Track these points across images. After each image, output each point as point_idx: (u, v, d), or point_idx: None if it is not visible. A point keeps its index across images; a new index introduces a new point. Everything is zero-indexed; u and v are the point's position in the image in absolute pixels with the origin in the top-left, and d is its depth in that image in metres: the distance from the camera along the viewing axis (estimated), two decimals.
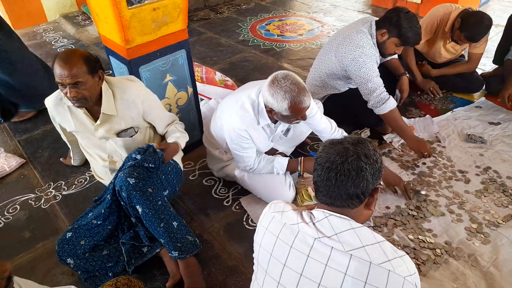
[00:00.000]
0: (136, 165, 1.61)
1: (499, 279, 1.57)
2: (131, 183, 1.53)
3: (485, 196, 1.97)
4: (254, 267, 1.12)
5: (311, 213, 1.02)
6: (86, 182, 2.17)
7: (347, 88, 2.40)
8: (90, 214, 1.66)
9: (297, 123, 1.78)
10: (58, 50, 3.83)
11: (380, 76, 2.29)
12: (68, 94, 1.52)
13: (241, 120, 1.75)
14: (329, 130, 1.97)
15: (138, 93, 1.70)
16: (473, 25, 2.40)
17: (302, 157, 1.93)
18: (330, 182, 0.98)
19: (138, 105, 1.68)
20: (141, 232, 1.64)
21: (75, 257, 1.58)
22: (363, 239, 0.94)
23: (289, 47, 3.72)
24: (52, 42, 4.01)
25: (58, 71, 1.48)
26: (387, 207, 1.93)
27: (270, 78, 1.65)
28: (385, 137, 2.42)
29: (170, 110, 2.11)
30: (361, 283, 0.90)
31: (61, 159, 2.31)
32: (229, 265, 1.70)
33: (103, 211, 1.63)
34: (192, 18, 4.46)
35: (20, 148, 2.47)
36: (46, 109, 1.78)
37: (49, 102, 1.75)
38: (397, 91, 2.57)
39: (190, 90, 2.15)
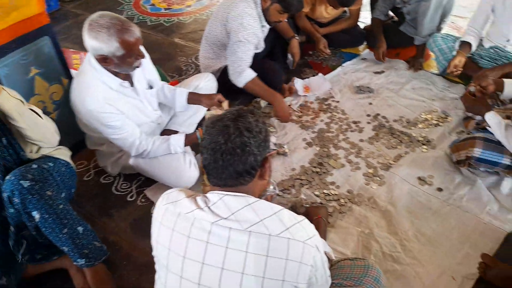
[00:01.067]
0: (30, 165, 1.38)
1: (395, 214, 1.72)
2: (26, 186, 1.32)
3: (376, 142, 2.13)
4: (156, 266, 1.04)
5: (206, 197, 0.97)
6: None
7: None
8: None
9: (138, 66, 1.62)
10: None
11: (272, 41, 2.30)
12: None
13: (95, 96, 1.57)
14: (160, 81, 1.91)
15: None
16: None
17: (201, 128, 1.84)
18: (217, 164, 0.94)
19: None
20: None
21: None
22: (260, 213, 0.92)
23: (178, 21, 3.53)
24: None
25: None
26: (293, 169, 1.98)
27: (85, 23, 1.47)
28: None
29: (44, 108, 1.85)
30: (263, 258, 0.88)
31: None
32: (142, 262, 1.60)
33: None
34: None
35: None
36: None
37: None
38: (288, 55, 2.61)
39: (65, 81, 1.91)
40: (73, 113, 1.77)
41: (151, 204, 1.84)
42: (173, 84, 2.10)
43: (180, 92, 1.96)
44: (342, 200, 1.79)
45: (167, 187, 1.85)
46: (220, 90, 2.25)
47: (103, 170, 1.99)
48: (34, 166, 1.44)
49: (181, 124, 2.08)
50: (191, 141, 1.82)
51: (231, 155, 0.92)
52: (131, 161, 1.82)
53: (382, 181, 1.89)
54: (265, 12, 2.14)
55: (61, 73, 1.88)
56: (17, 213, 1.41)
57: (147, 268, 1.57)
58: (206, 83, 2.17)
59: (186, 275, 0.94)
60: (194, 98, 1.97)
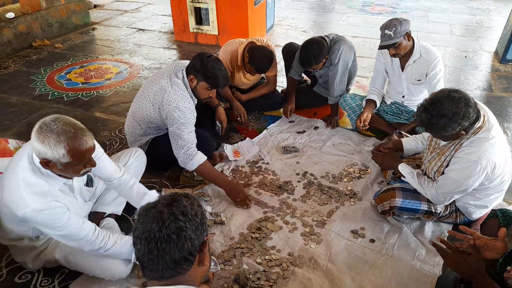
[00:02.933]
0: None
1: (337, 272, 1.75)
2: None
3: (308, 199, 2.20)
4: None
5: None
6: None
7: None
8: None
9: (87, 171, 1.53)
10: None
11: (199, 111, 2.32)
12: None
13: (37, 196, 1.43)
14: (118, 173, 1.80)
15: None
16: (258, 60, 2.70)
17: None
18: (152, 254, 0.88)
19: None
20: None
21: None
22: None
23: (98, 94, 3.44)
24: None
25: None
26: (232, 238, 1.94)
27: (36, 125, 1.39)
28: (215, 167, 2.46)
29: None
30: None
31: None
32: None
33: None
34: None
35: None
36: None
37: None
38: (217, 122, 2.67)
39: None
40: None
41: None
42: None
43: (150, 198, 1.77)
44: (284, 265, 1.78)
45: (95, 278, 1.69)
46: (149, 162, 2.19)
47: (19, 267, 1.75)
48: None
49: (109, 204, 1.95)
50: None
51: (166, 243, 0.88)
52: (57, 255, 1.63)
53: (319, 239, 1.93)
54: (194, 91, 2.18)
55: None
56: None
57: None
58: (136, 159, 2.10)
59: None
60: None
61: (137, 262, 1.56)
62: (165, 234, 0.88)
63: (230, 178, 2.35)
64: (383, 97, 2.77)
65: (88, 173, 1.62)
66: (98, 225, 1.84)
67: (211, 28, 4.51)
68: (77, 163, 1.43)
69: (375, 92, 2.69)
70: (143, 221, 0.92)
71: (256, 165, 2.49)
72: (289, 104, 2.96)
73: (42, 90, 3.48)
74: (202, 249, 0.95)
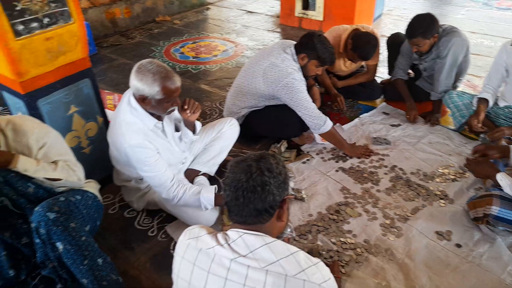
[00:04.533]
0: (57, 197, 1.47)
1: (413, 268, 1.70)
2: (51, 218, 1.39)
3: (394, 193, 2.15)
4: None
5: (226, 234, 1.03)
6: None
7: (265, 105, 2.48)
8: None
9: (172, 110, 1.74)
10: None
11: None
12: None
13: (134, 134, 1.68)
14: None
15: (33, 132, 1.55)
16: (362, 47, 2.65)
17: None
18: (238, 201, 1.00)
19: (32, 146, 1.54)
20: (44, 272, 1.52)
21: None
22: (277, 253, 0.96)
23: (205, 68, 3.75)
24: None
25: None
26: (310, 215, 2.01)
27: (135, 67, 1.63)
28: (302, 148, 2.54)
29: (79, 143, 1.98)
30: None
31: None
32: None
33: None
34: (102, 45, 4.29)
35: None
36: None
37: None
38: None
39: (100, 120, 2.05)
40: (104, 149, 1.89)
41: (171, 240, 1.88)
42: None
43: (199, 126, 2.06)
44: (358, 250, 1.80)
45: (187, 224, 1.91)
46: (242, 135, 2.36)
47: (128, 205, 2.07)
48: (62, 198, 1.52)
49: (204, 163, 2.17)
50: (220, 202, 1.86)
51: (251, 193, 0.99)
52: (157, 199, 1.89)
53: (399, 233, 1.89)
54: (303, 68, 2.31)
55: (97, 112, 2.03)
56: (42, 244, 1.48)
57: None
58: (230, 127, 2.28)
59: None
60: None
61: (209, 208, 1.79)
62: (251, 186, 0.99)
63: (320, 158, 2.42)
64: (496, 99, 2.51)
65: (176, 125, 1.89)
66: (192, 181, 2.08)
67: (317, 14, 4.51)
68: (167, 100, 1.65)
69: (490, 90, 2.44)
70: (233, 171, 1.03)
71: (342, 151, 2.48)
72: (412, 110, 2.75)
73: (159, 60, 3.92)
74: (282, 206, 1.05)
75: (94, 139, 2.04)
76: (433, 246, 1.81)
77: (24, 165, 1.47)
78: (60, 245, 1.43)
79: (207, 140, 2.22)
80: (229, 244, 0.99)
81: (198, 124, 2.02)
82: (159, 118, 1.79)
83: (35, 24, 1.59)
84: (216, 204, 1.84)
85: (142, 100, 1.65)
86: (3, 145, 1.50)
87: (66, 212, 1.47)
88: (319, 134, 2.36)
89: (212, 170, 2.21)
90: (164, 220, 1.99)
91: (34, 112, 1.74)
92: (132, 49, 4.22)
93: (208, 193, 1.82)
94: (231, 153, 2.32)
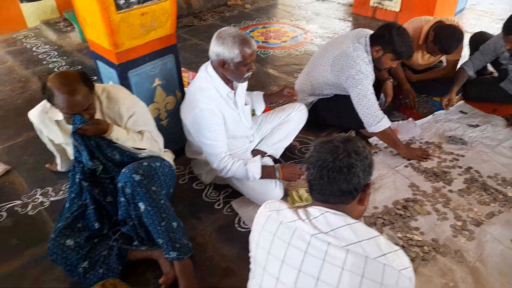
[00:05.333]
0: (141, 162, 1.60)
1: (485, 274, 1.62)
2: (136, 179, 1.52)
3: (468, 195, 2.04)
4: (251, 266, 1.13)
5: (307, 211, 1.05)
6: None
7: (334, 94, 2.46)
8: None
9: (248, 76, 1.80)
10: (39, 56, 3.76)
11: None
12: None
13: (207, 99, 1.78)
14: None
15: (124, 101, 1.69)
16: (445, 39, 2.50)
17: (280, 164, 1.92)
18: (323, 180, 1.01)
19: (123, 114, 1.67)
20: (128, 230, 1.66)
21: (75, 237, 1.58)
22: (358, 234, 0.96)
23: (273, 54, 3.77)
24: (34, 49, 3.94)
25: (65, 103, 1.45)
26: (375, 207, 1.98)
27: (215, 34, 1.73)
28: (370, 140, 2.48)
29: (159, 115, 2.11)
30: (358, 277, 0.92)
31: (47, 165, 2.26)
32: (223, 267, 1.70)
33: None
34: (177, 25, 4.47)
35: (5, 155, 2.40)
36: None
37: (34, 116, 1.73)
38: (381, 95, 2.65)
39: (178, 94, 2.16)
40: (179, 123, 1.99)
41: (236, 215, 1.95)
42: (265, 111, 2.27)
43: (257, 94, 2.18)
44: (426, 248, 1.74)
45: (251, 201, 1.98)
46: (308, 122, 2.35)
47: (196, 178, 2.17)
48: (145, 163, 1.65)
49: (270, 146, 2.21)
50: (268, 175, 1.88)
51: (337, 173, 0.99)
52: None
53: (471, 236, 1.80)
54: (376, 60, 2.23)
55: (176, 86, 2.14)
56: (125, 203, 1.61)
57: (227, 273, 1.67)
58: (298, 113, 2.29)
59: (282, 278, 1.00)
60: (269, 99, 2.18)
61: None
62: (338, 166, 0.99)
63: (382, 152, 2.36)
64: None
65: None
66: None
67: (394, 4, 4.32)
68: (244, 63, 1.72)
69: None
70: (318, 150, 1.04)
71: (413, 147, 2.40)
72: (447, 95, 2.67)
73: None
74: (365, 190, 1.04)
75: (171, 112, 2.16)
76: (509, 254, 1.71)
77: (117, 134, 1.61)
78: (142, 206, 1.56)
79: (275, 123, 2.26)
80: (310, 220, 1.01)
81: (262, 106, 2.15)
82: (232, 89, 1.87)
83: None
84: (263, 175, 1.85)
85: (222, 65, 1.74)
86: (98, 111, 1.65)
87: (148, 176, 1.59)
88: (372, 132, 2.28)
89: (277, 153, 2.25)
90: (230, 195, 2.07)
91: (124, 82, 1.87)
92: (204, 30, 4.35)
93: (254, 162, 1.86)
94: (296, 139, 2.34)
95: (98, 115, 1.64)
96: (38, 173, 2.25)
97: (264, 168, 1.87)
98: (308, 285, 0.97)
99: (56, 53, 3.80)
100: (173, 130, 2.16)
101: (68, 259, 1.58)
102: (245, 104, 2.02)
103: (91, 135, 1.57)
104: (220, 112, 1.80)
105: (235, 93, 1.90)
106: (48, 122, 1.69)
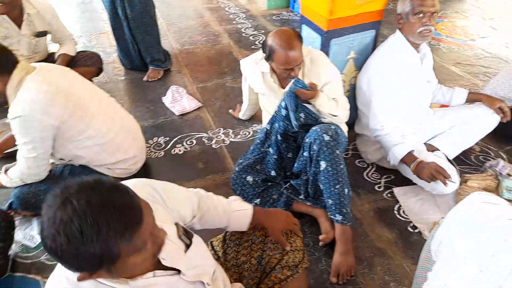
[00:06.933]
0: (329, 125, 1.71)
1: None
2: (326, 139, 1.64)
3: None
4: (434, 269, 1.02)
5: None
6: (249, 135, 2.40)
7: None
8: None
9: (425, 33, 1.78)
10: (230, 16, 4.21)
11: None
12: (292, 73, 1.68)
13: (390, 59, 1.86)
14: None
15: (325, 68, 1.79)
16: None
17: (419, 160, 1.79)
18: None
19: (322, 79, 1.77)
20: (297, 183, 1.80)
21: (254, 176, 1.80)
22: None
23: (458, 50, 3.46)
24: (226, 8, 4.41)
25: (285, 58, 1.62)
26: None
27: None
28: None
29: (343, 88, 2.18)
30: None
31: (230, 110, 2.58)
32: (377, 246, 1.73)
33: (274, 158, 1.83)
34: None
35: (198, 94, 2.83)
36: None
37: (245, 64, 1.97)
38: None
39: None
40: (354, 101, 2.03)
41: (396, 202, 1.93)
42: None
43: (459, 91, 2.12)
44: None
45: (418, 192, 1.92)
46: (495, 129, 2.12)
47: (359, 155, 2.21)
48: (333, 127, 1.72)
49: (447, 143, 2.05)
50: (407, 161, 1.83)
51: None
52: (392, 162, 1.93)
53: None
54: None
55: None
56: (307, 158, 1.74)
57: (381, 253, 1.69)
58: (488, 116, 2.07)
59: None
60: (474, 98, 2.08)
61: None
62: None
63: None
64: None
65: None
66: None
67: None
68: (413, 13, 1.76)
69: None
70: None
71: None
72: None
73: None
74: None
75: (353, 87, 2.20)
76: None
77: (320, 101, 1.73)
78: (323, 164, 1.66)
79: (458, 121, 2.09)
80: None
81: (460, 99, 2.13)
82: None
83: None
84: (403, 160, 1.84)
85: (398, 20, 1.84)
86: (301, 72, 1.78)
87: (336, 139, 1.67)
88: None
89: (452, 154, 2.10)
90: (392, 181, 2.05)
91: (325, 49, 1.98)
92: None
93: (402, 145, 1.84)
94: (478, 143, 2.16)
95: (299, 74, 1.78)
96: (222, 115, 2.59)
97: (407, 156, 1.83)
98: None
99: (244, 16, 4.20)
100: (350, 105, 2.20)
101: (246, 192, 1.81)
102: (427, 82, 1.97)
103: (304, 99, 1.70)
104: (400, 73, 1.85)
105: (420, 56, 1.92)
106: (255, 71, 1.91)
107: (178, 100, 2.67)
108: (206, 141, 2.36)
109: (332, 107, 1.77)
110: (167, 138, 2.38)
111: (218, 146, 2.32)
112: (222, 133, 2.42)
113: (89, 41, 3.62)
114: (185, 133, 2.43)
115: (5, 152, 1.98)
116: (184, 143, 2.34)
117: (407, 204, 1.91)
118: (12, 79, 1.52)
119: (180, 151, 2.28)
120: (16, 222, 1.69)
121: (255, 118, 2.50)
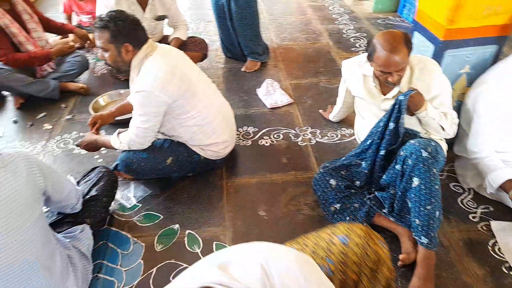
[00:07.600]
0: (429, 141, 1.62)
1: None
2: (424, 155, 1.54)
3: None
4: None
5: None
6: (337, 138, 2.35)
7: None
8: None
9: None
10: (333, 16, 4.14)
11: None
12: (390, 79, 1.62)
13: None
14: None
15: (437, 78, 1.67)
16: None
17: None
18: None
19: (431, 90, 1.66)
20: (383, 195, 1.73)
21: (338, 180, 1.77)
22: None
23: None
24: (330, 8, 4.36)
25: (384, 60, 1.55)
26: None
27: None
28: None
29: None
30: None
31: (320, 111, 2.56)
32: (463, 279, 1.58)
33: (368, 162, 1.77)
34: None
35: (290, 90, 2.85)
36: None
37: (348, 65, 1.92)
38: None
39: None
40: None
41: (492, 236, 1.74)
42: None
43: None
44: None
45: None
46: None
47: (455, 178, 2.04)
48: (433, 143, 1.61)
49: None
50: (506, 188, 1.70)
51: None
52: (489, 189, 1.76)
53: None
54: None
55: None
56: (398, 172, 1.64)
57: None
58: None
59: None
60: None
61: None
62: None
63: None
64: None
65: None
66: None
67: None
68: None
69: None
70: None
71: None
72: None
73: None
74: None
75: (457, 105, 2.01)
76: None
77: (429, 111, 1.64)
78: (416, 181, 1.56)
79: None
80: None
81: None
82: None
83: None
84: (503, 185, 1.72)
85: None
86: (407, 79, 1.69)
87: (434, 157, 1.57)
88: None
89: None
90: (490, 214, 1.85)
91: (437, 59, 1.83)
92: None
93: (503, 170, 1.72)
94: None
95: (404, 82, 1.69)
96: (311, 113, 2.58)
97: (508, 182, 1.69)
98: None
99: (347, 17, 4.10)
100: None
101: (327, 194, 1.78)
102: None
103: (413, 107, 1.63)
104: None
105: None
106: (357, 73, 1.86)
107: (271, 93, 2.72)
108: (292, 137, 2.37)
109: (441, 117, 1.67)
110: (256, 129, 2.44)
111: (304, 144, 2.32)
112: (310, 132, 2.41)
113: (197, 28, 3.87)
114: (274, 126, 2.47)
115: (116, 119, 2.22)
116: (271, 136, 2.38)
117: (505, 242, 1.71)
118: (139, 53, 1.70)
119: (266, 143, 2.33)
120: (118, 183, 1.89)
121: (346, 121, 2.45)
